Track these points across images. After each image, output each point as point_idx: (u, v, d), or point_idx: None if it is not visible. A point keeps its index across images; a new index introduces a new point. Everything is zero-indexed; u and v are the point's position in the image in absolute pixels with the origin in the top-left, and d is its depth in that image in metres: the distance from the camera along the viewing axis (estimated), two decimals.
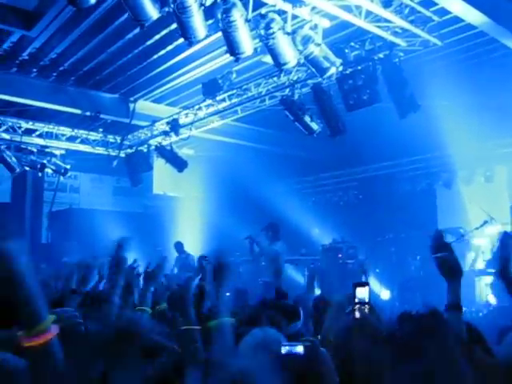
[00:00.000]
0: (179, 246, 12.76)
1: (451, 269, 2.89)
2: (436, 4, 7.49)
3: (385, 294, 10.80)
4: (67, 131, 12.52)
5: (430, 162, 13.00)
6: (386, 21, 7.76)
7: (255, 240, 11.06)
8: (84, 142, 13.00)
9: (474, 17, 7.53)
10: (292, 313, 4.30)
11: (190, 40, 6.18)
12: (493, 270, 8.63)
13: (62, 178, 13.37)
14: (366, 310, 2.78)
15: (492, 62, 9.48)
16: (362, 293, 2.96)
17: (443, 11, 7.70)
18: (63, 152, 12.83)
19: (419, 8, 7.65)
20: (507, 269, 2.90)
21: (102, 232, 12.09)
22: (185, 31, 6.11)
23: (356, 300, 2.96)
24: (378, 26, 7.90)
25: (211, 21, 6.65)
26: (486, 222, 9.35)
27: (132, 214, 15.28)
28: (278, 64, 7.14)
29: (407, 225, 12.09)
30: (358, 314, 2.90)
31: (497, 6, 7.65)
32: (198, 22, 6.00)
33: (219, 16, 6.24)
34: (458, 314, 2.79)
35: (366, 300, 2.93)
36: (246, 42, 6.51)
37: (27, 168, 12.56)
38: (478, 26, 7.94)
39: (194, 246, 12.94)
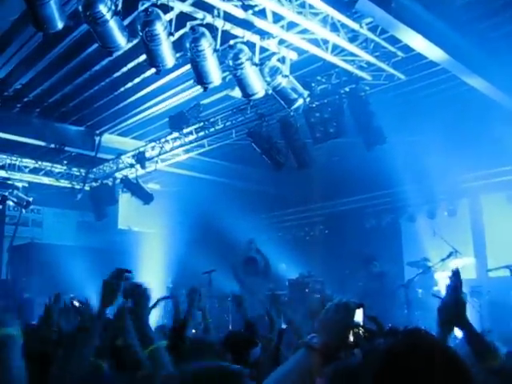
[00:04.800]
0: None
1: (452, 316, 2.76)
2: (400, 41, 7.69)
3: None
4: (31, 163, 12.31)
5: (395, 197, 13.15)
6: (352, 55, 7.95)
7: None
8: (48, 174, 12.79)
9: (435, 54, 7.75)
10: (249, 340, 4.36)
11: (158, 68, 6.17)
12: None
13: (23, 211, 13.06)
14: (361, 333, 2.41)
15: (454, 98, 9.73)
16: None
17: (407, 48, 7.90)
18: (26, 185, 12.57)
19: (384, 44, 7.85)
20: (464, 315, 2.75)
21: (64, 268, 11.79)
22: (153, 59, 6.11)
23: None
24: (344, 60, 8.08)
25: (179, 54, 6.67)
26: (451, 254, 9.45)
27: (96, 249, 14.94)
28: (246, 95, 7.18)
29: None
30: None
31: (456, 43, 7.89)
32: (166, 50, 6.01)
33: (188, 45, 6.26)
34: None
35: (360, 322, 2.59)
36: (214, 71, 6.54)
37: None
38: (440, 63, 8.17)
39: (160, 282, 12.72)
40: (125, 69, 9.05)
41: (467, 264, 10.72)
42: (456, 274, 2.87)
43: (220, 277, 11.58)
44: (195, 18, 6.49)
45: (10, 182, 12.22)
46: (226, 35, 6.90)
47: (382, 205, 13.70)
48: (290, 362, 2.03)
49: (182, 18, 6.47)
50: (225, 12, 6.54)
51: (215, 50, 6.40)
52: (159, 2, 5.98)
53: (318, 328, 2.12)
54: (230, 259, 11.78)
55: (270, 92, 7.55)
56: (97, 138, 12.01)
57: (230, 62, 6.84)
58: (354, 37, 7.59)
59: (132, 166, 12.39)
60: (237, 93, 8.15)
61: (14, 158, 12.04)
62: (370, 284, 11.02)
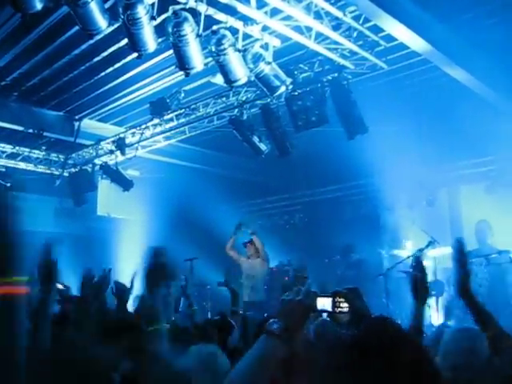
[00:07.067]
0: None
1: (420, 289, 2.92)
2: (383, 30, 7.69)
3: None
4: (8, 148, 12.12)
5: (374, 187, 13.19)
6: (335, 43, 7.94)
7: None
8: (26, 159, 12.61)
9: (417, 44, 7.75)
10: (225, 327, 4.40)
11: (140, 52, 6.08)
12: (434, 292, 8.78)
13: None
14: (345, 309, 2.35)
15: (435, 88, 9.77)
16: (323, 303, 2.30)
17: (390, 37, 7.91)
18: (3, 170, 12.37)
19: (367, 33, 7.84)
20: (467, 286, 2.88)
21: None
22: (134, 44, 6.02)
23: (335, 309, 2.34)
24: (327, 48, 8.05)
25: (161, 39, 6.59)
26: (430, 243, 9.51)
27: (75, 236, 14.80)
28: (229, 81, 7.11)
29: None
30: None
31: (439, 34, 7.91)
32: (148, 35, 5.92)
33: (170, 30, 6.18)
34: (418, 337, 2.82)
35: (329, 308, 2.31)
36: (197, 56, 6.47)
37: None
38: (422, 54, 8.18)
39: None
40: (105, 53, 8.92)
41: (445, 253, 10.80)
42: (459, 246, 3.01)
43: (201, 265, 11.56)
44: (178, 2, 6.38)
45: None
46: (209, 20, 6.80)
47: (361, 194, 13.76)
48: (252, 351, 2.02)
49: (165, 2, 6.35)
50: None
51: (198, 35, 6.32)
52: None
53: (278, 313, 2.12)
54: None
55: (253, 79, 7.49)
56: (76, 124, 11.85)
57: (213, 48, 6.77)
58: (337, 25, 7.57)
59: (112, 152, 12.27)
60: (219, 79, 8.08)
61: None
62: (348, 272, 11.09)
